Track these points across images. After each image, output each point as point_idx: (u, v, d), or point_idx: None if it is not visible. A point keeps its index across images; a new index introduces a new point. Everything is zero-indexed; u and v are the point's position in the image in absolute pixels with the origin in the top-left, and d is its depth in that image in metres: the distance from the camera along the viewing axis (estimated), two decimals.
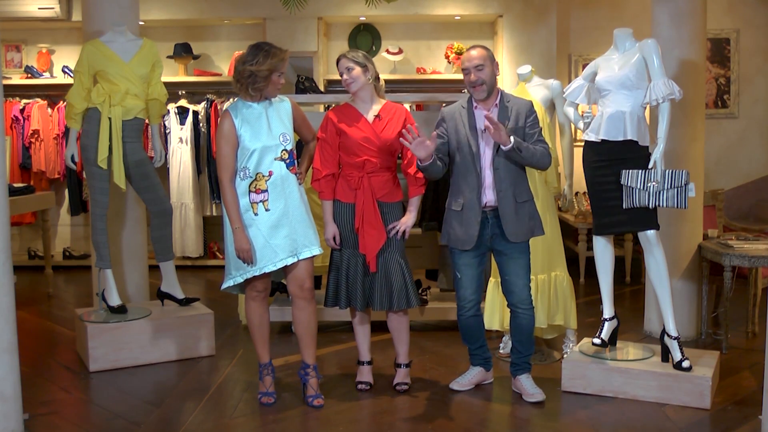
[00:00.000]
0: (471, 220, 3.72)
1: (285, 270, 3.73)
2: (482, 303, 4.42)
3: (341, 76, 3.82)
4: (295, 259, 3.64)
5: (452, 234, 3.80)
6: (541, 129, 3.79)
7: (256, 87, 3.61)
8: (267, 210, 3.62)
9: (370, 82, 3.81)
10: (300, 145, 4.04)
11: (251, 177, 3.62)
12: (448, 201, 3.85)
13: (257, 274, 3.64)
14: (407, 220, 3.85)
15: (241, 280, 3.68)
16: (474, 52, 3.71)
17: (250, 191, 3.62)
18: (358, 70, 3.77)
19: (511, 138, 3.56)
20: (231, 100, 7.20)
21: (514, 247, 3.74)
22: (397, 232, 3.82)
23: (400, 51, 7.53)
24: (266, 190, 3.62)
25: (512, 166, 3.70)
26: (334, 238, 3.84)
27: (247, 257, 3.60)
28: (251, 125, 3.63)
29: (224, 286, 3.75)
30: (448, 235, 3.84)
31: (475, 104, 3.77)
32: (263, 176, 3.62)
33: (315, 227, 3.75)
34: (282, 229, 3.62)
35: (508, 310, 4.17)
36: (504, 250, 3.77)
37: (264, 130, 3.63)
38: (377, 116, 3.82)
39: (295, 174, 3.69)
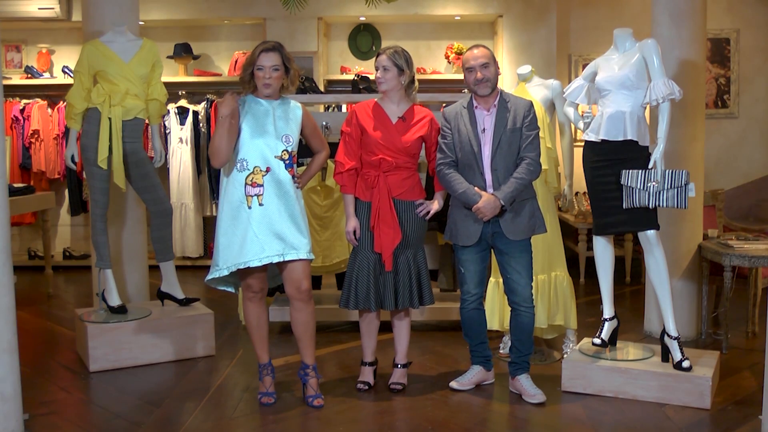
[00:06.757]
0: (475, 217, 3.73)
1: (281, 272, 3.73)
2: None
3: (376, 70, 3.80)
4: (281, 260, 3.63)
5: (454, 230, 3.85)
6: (538, 131, 3.79)
7: (242, 81, 3.69)
8: (261, 205, 3.62)
9: (403, 85, 3.81)
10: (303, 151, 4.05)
11: (249, 170, 3.63)
12: (452, 199, 3.87)
13: (242, 267, 3.63)
14: (434, 205, 3.88)
15: (226, 273, 3.65)
16: (478, 51, 3.77)
17: (246, 184, 3.63)
18: (393, 72, 3.76)
19: (501, 200, 3.65)
20: None
21: (515, 245, 3.76)
22: (421, 212, 3.85)
23: None
24: (262, 185, 3.63)
25: (511, 166, 3.73)
26: (354, 232, 3.82)
27: (225, 113, 3.55)
28: (256, 119, 3.66)
29: (208, 277, 3.72)
30: (450, 231, 3.88)
31: (475, 104, 3.79)
32: (260, 170, 3.63)
33: (308, 232, 3.72)
34: (273, 227, 3.62)
35: (508, 310, 4.17)
36: (505, 249, 3.79)
37: (268, 126, 3.65)
38: (401, 118, 3.82)
39: (293, 176, 3.70)
